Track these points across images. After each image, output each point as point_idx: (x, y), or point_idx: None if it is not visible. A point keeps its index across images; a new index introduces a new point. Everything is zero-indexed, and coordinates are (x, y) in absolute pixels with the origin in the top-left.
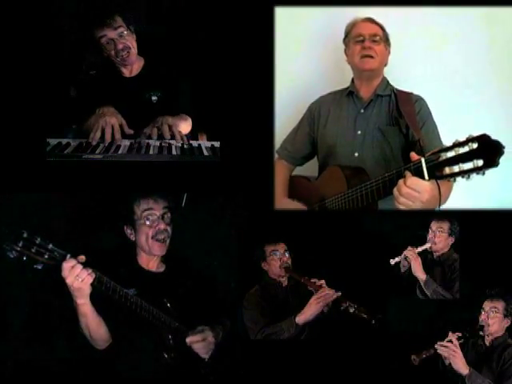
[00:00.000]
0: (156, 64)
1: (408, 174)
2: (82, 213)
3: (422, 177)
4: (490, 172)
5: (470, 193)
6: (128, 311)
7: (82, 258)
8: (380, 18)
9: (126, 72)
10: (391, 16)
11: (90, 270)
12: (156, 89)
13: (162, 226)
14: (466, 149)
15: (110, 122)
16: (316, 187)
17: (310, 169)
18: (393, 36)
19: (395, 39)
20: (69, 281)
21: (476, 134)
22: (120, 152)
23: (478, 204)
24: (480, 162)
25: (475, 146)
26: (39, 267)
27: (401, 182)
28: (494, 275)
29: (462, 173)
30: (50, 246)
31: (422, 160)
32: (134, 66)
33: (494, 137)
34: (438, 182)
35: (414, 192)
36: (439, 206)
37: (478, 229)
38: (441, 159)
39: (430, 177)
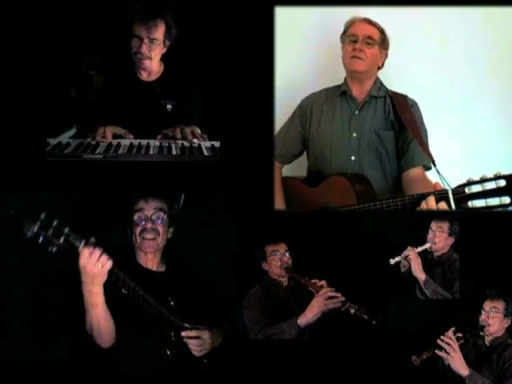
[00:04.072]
0: (176, 71)
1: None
2: (82, 213)
3: (449, 207)
4: (490, 172)
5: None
6: (133, 305)
7: (93, 239)
8: (379, 18)
9: (144, 74)
10: (391, 16)
11: (108, 256)
12: (172, 98)
13: (149, 226)
14: (492, 185)
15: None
16: (316, 194)
17: (300, 167)
18: (392, 36)
19: (395, 40)
20: (88, 267)
21: (478, 135)
22: (120, 152)
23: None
24: (507, 200)
25: (503, 184)
26: (54, 250)
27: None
28: (494, 275)
29: (488, 207)
30: (67, 229)
31: (449, 192)
32: (152, 71)
33: (493, 137)
34: None
35: None
36: None
37: (478, 229)
38: (467, 193)
39: (456, 208)
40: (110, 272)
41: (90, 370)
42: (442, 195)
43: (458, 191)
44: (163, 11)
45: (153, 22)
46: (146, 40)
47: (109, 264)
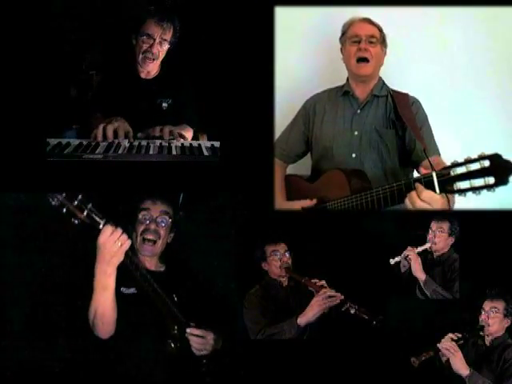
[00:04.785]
0: (173, 70)
1: (420, 186)
2: None
3: (433, 190)
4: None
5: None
6: (140, 296)
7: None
8: (379, 18)
9: (143, 73)
10: (391, 16)
11: (127, 236)
12: (168, 96)
13: (153, 227)
14: (477, 166)
15: (115, 123)
16: (315, 189)
17: (304, 167)
18: (392, 36)
19: (395, 39)
20: (108, 245)
21: (478, 135)
22: (120, 152)
23: (478, 204)
24: (491, 180)
25: (487, 164)
26: (76, 222)
27: (414, 194)
28: (494, 275)
29: (473, 189)
30: (90, 205)
31: (434, 174)
32: (152, 70)
33: (493, 137)
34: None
35: (427, 205)
36: None
37: (478, 229)
38: (452, 175)
39: (441, 191)
40: (126, 257)
41: (91, 370)
42: (426, 179)
43: (442, 174)
44: (174, 15)
45: (167, 24)
46: (158, 40)
47: (127, 244)
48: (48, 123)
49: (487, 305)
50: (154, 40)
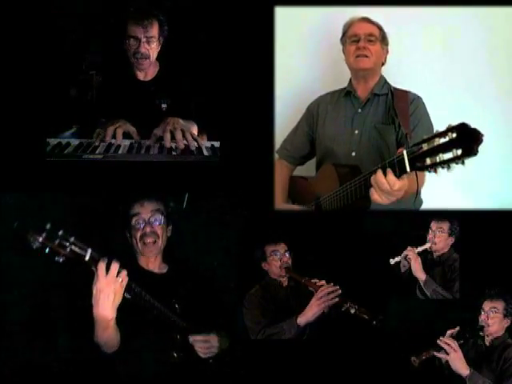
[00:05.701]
0: (170, 71)
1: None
2: (82, 213)
3: (404, 168)
4: (490, 172)
5: (470, 193)
6: (139, 308)
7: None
8: (380, 18)
9: (141, 75)
10: (391, 16)
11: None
12: (167, 97)
13: (148, 229)
14: (446, 139)
15: (116, 124)
16: (312, 186)
17: (311, 169)
18: (392, 36)
19: (395, 39)
20: (107, 290)
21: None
22: (120, 152)
23: (478, 204)
24: (459, 151)
25: (454, 135)
26: (60, 260)
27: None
28: (494, 275)
29: (442, 163)
30: (72, 239)
31: (404, 152)
32: (149, 71)
33: (493, 137)
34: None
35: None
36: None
37: (478, 229)
38: (422, 150)
39: (412, 168)
40: (128, 291)
41: (91, 371)
42: (398, 158)
43: (413, 151)
44: (154, 10)
45: (147, 21)
46: (143, 40)
47: (126, 279)
48: (48, 123)
49: (487, 305)
50: (140, 40)
